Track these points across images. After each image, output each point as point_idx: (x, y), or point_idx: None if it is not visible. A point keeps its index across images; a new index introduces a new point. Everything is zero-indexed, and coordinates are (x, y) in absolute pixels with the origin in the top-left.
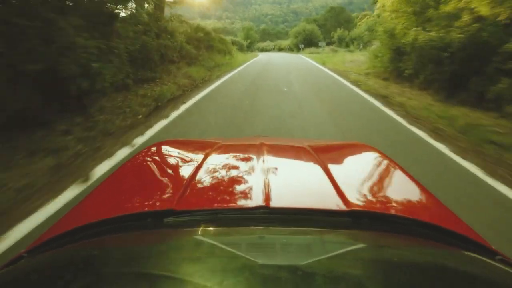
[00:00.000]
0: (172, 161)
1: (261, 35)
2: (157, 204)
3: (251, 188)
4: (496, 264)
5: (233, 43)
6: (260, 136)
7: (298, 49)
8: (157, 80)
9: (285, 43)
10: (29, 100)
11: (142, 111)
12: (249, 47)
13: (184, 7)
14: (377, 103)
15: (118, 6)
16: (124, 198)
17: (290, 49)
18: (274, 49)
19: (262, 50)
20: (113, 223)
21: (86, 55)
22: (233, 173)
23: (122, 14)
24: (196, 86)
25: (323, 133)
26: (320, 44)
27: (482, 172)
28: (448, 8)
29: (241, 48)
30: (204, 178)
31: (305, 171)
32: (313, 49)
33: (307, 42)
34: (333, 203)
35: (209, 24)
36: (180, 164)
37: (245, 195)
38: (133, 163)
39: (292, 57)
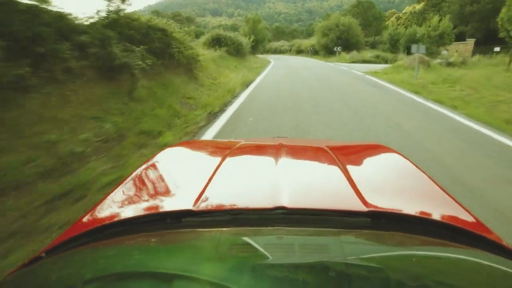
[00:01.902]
0: (190, 162)
1: (275, 33)
2: (176, 204)
3: (269, 189)
4: None
5: (218, 41)
6: (279, 137)
7: (330, 53)
8: None
9: (306, 43)
10: None
11: None
12: (256, 48)
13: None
14: None
15: None
16: (142, 199)
17: (313, 52)
18: (290, 50)
19: (275, 51)
20: (131, 223)
21: None
22: (252, 174)
23: None
24: None
25: None
26: (419, 49)
27: None
28: None
29: (237, 51)
30: (223, 179)
31: (324, 171)
32: (354, 53)
33: (342, 42)
34: (352, 203)
35: (219, 21)
36: (199, 165)
37: (264, 196)
38: (152, 164)
39: (374, 92)
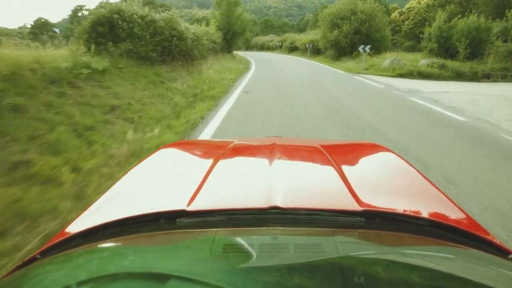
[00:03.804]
0: (184, 162)
1: (263, 27)
2: (170, 205)
3: (263, 189)
4: (509, 262)
5: (112, 29)
6: (273, 136)
7: (342, 54)
8: None
9: (302, 39)
10: None
11: None
12: (232, 43)
13: None
14: None
15: None
16: (136, 200)
17: (313, 51)
18: (281, 47)
19: (262, 47)
20: (125, 224)
21: None
22: (246, 173)
23: None
24: None
25: None
26: None
27: None
28: None
29: (168, 53)
30: (217, 179)
31: (318, 171)
32: (394, 58)
33: (362, 38)
34: (346, 203)
35: (206, 13)
36: (193, 165)
37: (258, 195)
38: (146, 165)
39: None
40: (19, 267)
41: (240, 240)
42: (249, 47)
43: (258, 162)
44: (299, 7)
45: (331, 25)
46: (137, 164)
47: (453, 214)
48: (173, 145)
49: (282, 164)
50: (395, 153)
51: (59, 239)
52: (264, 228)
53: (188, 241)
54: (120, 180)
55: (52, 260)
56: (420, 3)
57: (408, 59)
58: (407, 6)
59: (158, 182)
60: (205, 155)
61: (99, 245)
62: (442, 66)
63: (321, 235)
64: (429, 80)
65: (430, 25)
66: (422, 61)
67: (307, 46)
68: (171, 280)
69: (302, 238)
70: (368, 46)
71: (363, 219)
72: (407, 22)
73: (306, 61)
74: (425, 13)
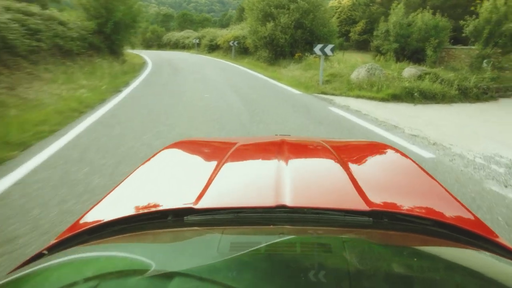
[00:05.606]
0: (192, 160)
1: (181, 22)
2: (178, 202)
3: (271, 188)
4: None
5: None
6: (280, 135)
7: (280, 56)
8: None
9: (225, 35)
10: None
11: None
12: (115, 41)
13: None
14: None
15: None
16: (143, 197)
17: (239, 51)
18: (199, 45)
19: (176, 45)
20: (133, 221)
21: None
22: (253, 172)
23: None
24: None
25: None
26: None
27: None
28: None
29: None
30: (224, 177)
31: (325, 170)
32: (356, 62)
33: (304, 34)
34: (354, 202)
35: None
36: (200, 163)
37: (265, 194)
38: (153, 162)
39: None
40: (26, 263)
41: (247, 238)
42: (161, 45)
43: (266, 161)
44: (221, 3)
45: (263, 16)
46: (144, 162)
47: (460, 215)
48: (180, 143)
49: (289, 163)
50: (402, 153)
51: (66, 235)
52: (271, 226)
53: (195, 238)
54: (127, 178)
55: (59, 256)
56: (341, 3)
57: (391, 63)
58: (329, 4)
59: (165, 180)
60: (212, 153)
61: (106, 242)
62: (440, 79)
63: (328, 234)
64: (441, 105)
65: (386, 20)
66: (408, 69)
67: (231, 44)
68: (177, 277)
69: (309, 237)
70: (331, 46)
71: (371, 219)
72: (331, 20)
73: (231, 67)
74: (349, 12)
